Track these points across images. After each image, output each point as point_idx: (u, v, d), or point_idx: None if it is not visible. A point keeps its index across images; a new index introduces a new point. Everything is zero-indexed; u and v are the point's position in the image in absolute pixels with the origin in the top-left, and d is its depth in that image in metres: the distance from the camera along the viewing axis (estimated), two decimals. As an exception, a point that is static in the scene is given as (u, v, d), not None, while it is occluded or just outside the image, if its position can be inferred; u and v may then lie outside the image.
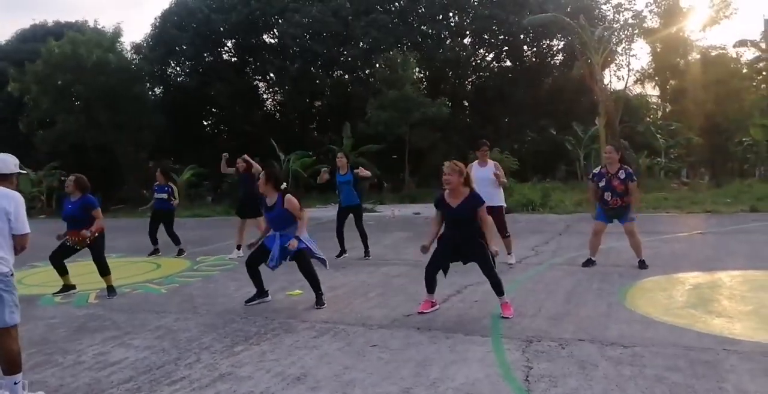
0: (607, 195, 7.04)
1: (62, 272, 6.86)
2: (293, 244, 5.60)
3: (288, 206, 5.68)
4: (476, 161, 7.84)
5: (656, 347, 4.12)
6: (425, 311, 5.26)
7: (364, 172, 8.93)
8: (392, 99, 23.06)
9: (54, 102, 23.56)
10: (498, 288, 5.11)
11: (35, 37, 29.33)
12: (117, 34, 26.45)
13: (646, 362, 3.84)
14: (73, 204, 6.66)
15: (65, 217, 6.72)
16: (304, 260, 5.75)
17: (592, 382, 3.54)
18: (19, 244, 3.66)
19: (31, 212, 22.92)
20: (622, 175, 7.00)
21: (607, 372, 3.68)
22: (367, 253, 8.75)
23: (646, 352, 4.02)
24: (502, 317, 4.99)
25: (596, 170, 7.39)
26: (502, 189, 7.81)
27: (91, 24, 27.96)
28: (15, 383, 3.52)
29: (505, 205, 7.88)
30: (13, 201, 3.63)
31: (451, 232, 5.24)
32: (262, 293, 6.01)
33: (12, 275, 3.59)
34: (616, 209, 7.07)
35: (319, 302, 5.74)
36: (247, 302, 5.96)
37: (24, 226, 3.65)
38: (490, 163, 7.78)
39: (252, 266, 5.88)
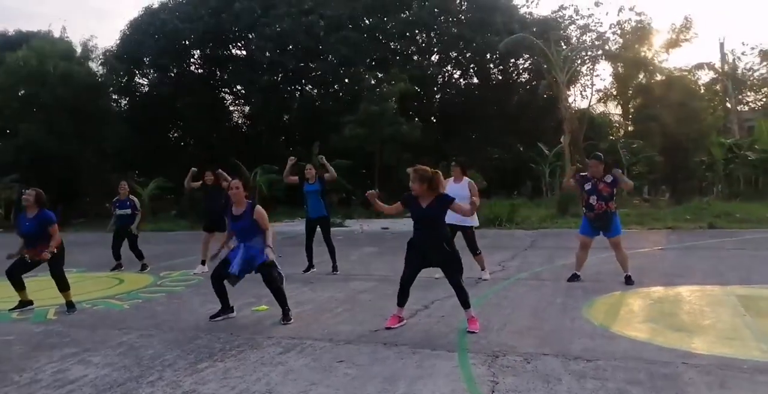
0: (593, 199, 7.01)
1: (19, 287, 6.64)
2: (270, 254, 5.56)
3: (257, 216, 5.64)
4: (451, 178, 7.83)
5: (618, 360, 4.20)
6: (393, 326, 5.26)
7: (328, 166, 8.76)
8: (371, 114, 23.15)
9: (16, 111, 23.00)
10: (464, 299, 5.14)
11: (-4, 46, 28.66)
12: (90, 47, 26.06)
13: (608, 375, 3.91)
14: (30, 221, 6.46)
15: (22, 234, 6.52)
16: (270, 272, 5.68)
17: (556, 396, 3.59)
18: None
19: (-13, 225, 22.23)
20: (608, 179, 7.00)
21: (571, 386, 3.74)
22: (335, 268, 8.71)
23: (608, 366, 4.09)
24: (469, 332, 5.02)
25: (583, 173, 7.39)
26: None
27: (56, 34, 27.44)
28: None
29: (477, 224, 7.77)
30: None
31: (419, 234, 5.21)
32: (227, 308, 5.93)
33: None
34: (601, 216, 7.01)
35: (286, 318, 5.68)
36: (211, 317, 5.87)
37: None
38: (465, 180, 7.61)
39: (217, 280, 5.79)
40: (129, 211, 9.76)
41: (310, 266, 8.79)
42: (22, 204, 6.64)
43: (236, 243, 5.80)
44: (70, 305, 6.56)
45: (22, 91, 23.20)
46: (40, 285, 7.22)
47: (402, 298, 5.36)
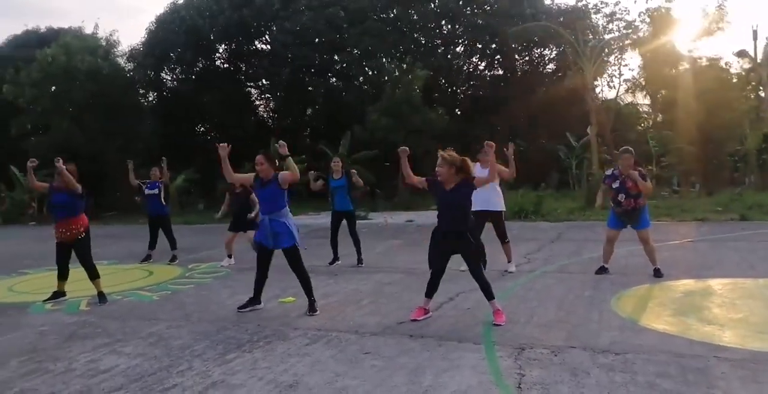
0: (621, 196, 6.96)
1: (62, 277, 6.83)
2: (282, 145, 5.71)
3: (281, 179, 5.69)
4: (478, 162, 7.75)
5: (647, 354, 4.14)
6: (418, 319, 5.27)
7: (357, 178, 8.87)
8: (396, 102, 23.04)
9: (48, 108, 23.46)
10: (487, 291, 5.13)
11: (28, 43, 29.22)
12: (112, 41, 26.42)
13: (638, 369, 3.86)
14: (63, 191, 6.60)
15: (53, 205, 6.67)
16: (296, 257, 5.76)
17: (584, 389, 3.56)
18: None
19: (21, 218, 22.81)
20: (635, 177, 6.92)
21: (599, 379, 3.70)
22: (360, 260, 8.74)
23: (637, 359, 4.04)
24: (494, 325, 5.00)
25: (609, 172, 7.34)
26: (501, 194, 7.72)
27: (88, 30, 27.87)
28: None
29: (505, 210, 7.76)
30: None
31: (442, 219, 5.20)
32: (256, 300, 6.00)
33: None
34: (629, 212, 6.97)
35: (312, 309, 5.73)
36: (239, 309, 5.95)
37: None
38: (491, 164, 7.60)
39: (261, 266, 5.88)
40: (157, 191, 9.96)
41: (335, 258, 8.85)
42: (54, 185, 6.76)
43: (261, 216, 5.86)
44: (102, 296, 6.70)
45: (53, 88, 23.62)
46: (72, 277, 7.36)
47: (431, 289, 5.36)
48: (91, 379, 4.11)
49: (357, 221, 9.26)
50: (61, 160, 6.56)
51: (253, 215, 8.65)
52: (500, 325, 4.99)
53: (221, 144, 5.76)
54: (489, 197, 7.42)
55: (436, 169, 5.12)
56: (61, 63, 23.05)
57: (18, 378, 4.17)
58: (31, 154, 23.74)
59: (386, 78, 25.00)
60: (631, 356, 4.10)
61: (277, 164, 5.87)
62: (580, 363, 4.01)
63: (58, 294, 6.87)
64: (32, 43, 28.30)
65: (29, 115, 24.21)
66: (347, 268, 8.52)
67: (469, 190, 5.13)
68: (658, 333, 4.68)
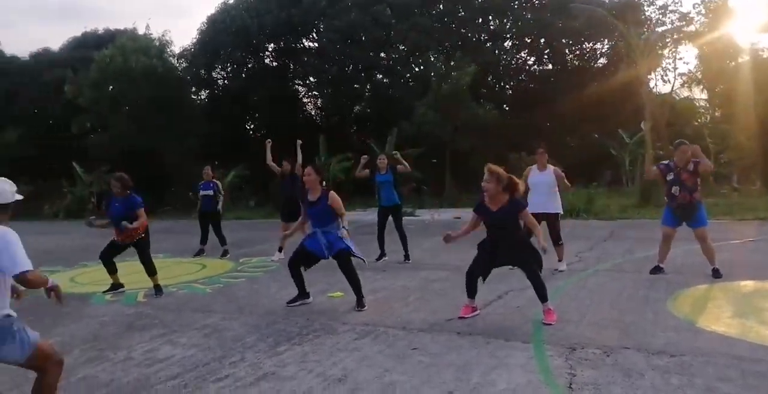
0: (675, 189, 6.70)
1: (112, 270, 7.08)
2: (345, 235, 5.73)
3: (332, 202, 5.76)
4: (534, 165, 7.75)
5: (706, 356, 4.00)
6: (466, 316, 5.23)
7: (400, 158, 9.01)
8: (444, 95, 22.92)
9: (106, 107, 24.39)
10: (541, 293, 5.04)
11: (87, 44, 30.41)
12: (164, 41, 27.21)
13: (695, 371, 3.74)
14: (120, 203, 6.86)
15: (112, 216, 6.93)
16: (345, 260, 5.81)
17: (639, 391, 3.47)
18: (24, 284, 3.08)
19: (82, 213, 23.77)
20: (690, 167, 6.66)
21: (654, 381, 3.60)
22: (406, 257, 8.75)
23: (695, 361, 3.91)
24: (544, 324, 4.93)
25: (665, 162, 7.08)
26: (559, 196, 7.66)
27: (140, 31, 28.81)
28: None
29: (561, 212, 7.72)
30: (2, 238, 3.01)
31: (491, 237, 5.18)
32: (303, 294, 6.09)
33: (7, 316, 3.09)
34: (685, 207, 6.70)
35: (360, 305, 5.78)
36: (288, 303, 6.05)
37: (20, 264, 3.00)
38: (549, 167, 7.60)
39: (294, 266, 5.96)
40: (211, 192, 10.22)
41: (382, 254, 8.88)
42: (113, 190, 7.03)
43: (311, 229, 5.93)
44: (158, 289, 6.93)
45: (111, 87, 24.51)
46: (129, 269, 7.64)
47: (470, 290, 5.31)
48: (149, 368, 4.25)
49: (403, 218, 9.26)
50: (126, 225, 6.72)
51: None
52: (551, 324, 4.91)
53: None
54: (546, 200, 7.45)
55: (483, 184, 5.04)
56: (118, 64, 23.88)
57: (81, 365, 4.35)
58: (92, 151, 24.53)
59: (433, 74, 24.88)
60: (688, 359, 3.97)
61: (324, 183, 5.96)
62: (634, 364, 3.91)
63: (117, 286, 7.15)
64: (90, 44, 29.44)
65: (89, 114, 25.20)
66: (394, 264, 8.54)
67: (516, 211, 5.04)
68: (717, 335, 4.52)
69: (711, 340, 4.40)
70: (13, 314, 3.15)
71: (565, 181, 7.66)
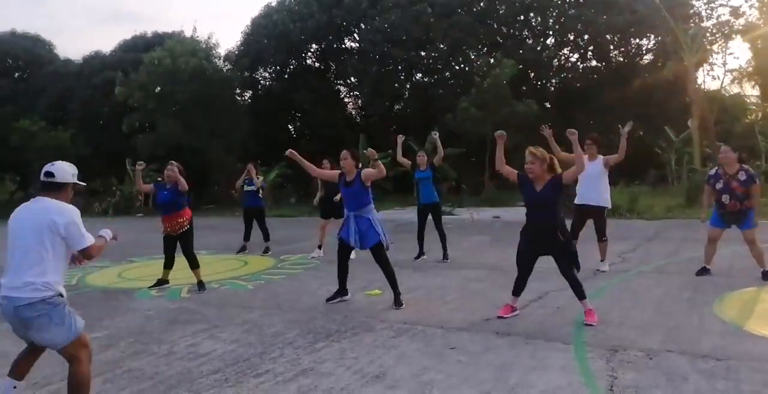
0: (725, 198, 6.51)
1: (168, 265, 7.33)
2: (372, 152, 5.79)
3: (365, 176, 5.85)
4: (586, 156, 7.55)
5: (754, 361, 3.88)
6: (505, 316, 5.20)
7: (435, 156, 8.88)
8: (484, 93, 22.76)
9: (154, 107, 25.09)
10: (578, 290, 4.98)
11: (136, 48, 31.27)
12: (210, 44, 27.79)
13: (743, 377, 3.63)
14: (168, 190, 7.09)
15: (159, 204, 7.18)
16: (381, 253, 5.88)
17: (682, 395, 3.39)
18: (85, 257, 3.39)
19: (130, 210, 24.49)
20: (742, 176, 6.45)
21: (699, 386, 3.51)
22: (445, 256, 8.72)
23: (742, 366, 3.80)
24: (585, 325, 4.85)
25: (712, 172, 6.86)
26: (608, 189, 7.33)
27: (187, 34, 29.50)
28: None
29: (609, 206, 7.46)
30: (66, 216, 3.26)
31: (531, 218, 5.10)
32: (343, 291, 6.15)
33: (60, 295, 3.27)
34: (735, 213, 6.54)
35: (397, 302, 5.80)
36: (328, 300, 6.12)
37: (81, 240, 3.29)
38: (600, 157, 7.27)
39: (341, 256, 6.09)
40: (254, 188, 10.41)
41: (421, 252, 8.88)
42: (166, 179, 7.24)
43: (346, 214, 6.01)
44: (201, 285, 7.10)
45: (158, 89, 25.16)
46: (177, 265, 7.82)
47: (518, 287, 5.27)
48: (191, 362, 4.37)
49: (442, 216, 9.23)
50: (176, 165, 7.08)
51: (338, 197, 8.76)
52: (592, 325, 4.84)
53: (289, 151, 6.19)
54: (593, 191, 7.17)
55: (527, 166, 4.98)
56: (167, 65, 24.49)
57: (126, 358, 4.51)
58: (140, 150, 25.21)
59: (472, 71, 24.71)
60: (734, 363, 3.85)
61: (358, 163, 6.03)
62: (678, 368, 3.82)
63: (162, 281, 7.38)
64: (140, 48, 30.26)
65: (138, 114, 25.96)
66: (433, 263, 8.53)
67: (559, 189, 4.97)
68: (766, 340, 4.37)
69: (759, 344, 4.26)
70: (65, 293, 3.32)
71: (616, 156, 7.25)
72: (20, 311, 3.15)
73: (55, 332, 3.20)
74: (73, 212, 3.30)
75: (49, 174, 3.36)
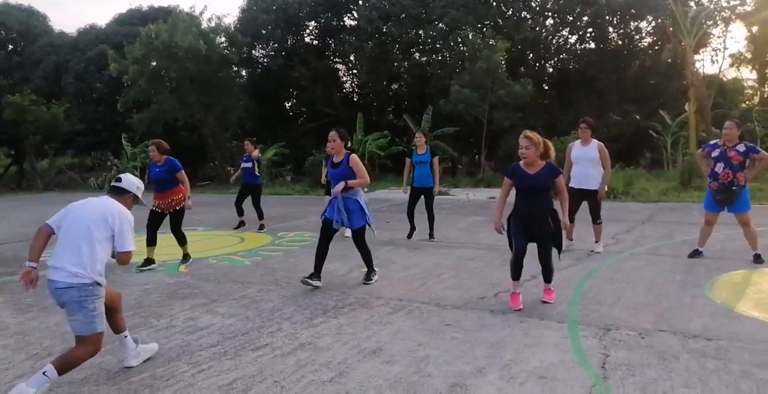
0: (719, 166, 6.44)
1: (151, 243, 7.16)
2: (340, 186, 5.65)
3: (352, 164, 5.75)
4: (578, 140, 7.61)
5: (743, 342, 3.96)
6: (516, 309, 4.90)
7: (437, 166, 8.84)
8: (477, 73, 22.58)
9: (149, 83, 24.78)
10: (548, 276, 5.05)
11: (131, 21, 30.89)
12: (209, 20, 27.45)
13: (732, 356, 3.71)
14: (160, 168, 7.12)
15: (153, 180, 7.17)
16: (361, 235, 5.91)
17: (672, 373, 3.47)
18: (119, 260, 3.63)
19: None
20: (741, 148, 6.40)
21: (689, 365, 3.59)
22: (431, 235, 8.75)
23: (731, 346, 3.88)
24: (543, 302, 5.00)
25: (711, 142, 6.83)
26: (602, 172, 7.34)
27: (185, 9, 29.10)
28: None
29: (606, 190, 7.52)
30: (120, 217, 3.56)
31: (522, 204, 4.95)
32: (316, 275, 5.83)
33: (98, 284, 3.46)
34: (727, 188, 6.44)
35: (368, 278, 5.94)
36: (302, 281, 5.81)
37: (125, 243, 3.55)
38: (594, 142, 7.30)
39: (321, 240, 5.91)
40: (251, 164, 10.39)
41: (412, 228, 8.92)
42: (151, 157, 7.30)
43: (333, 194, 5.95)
44: (186, 257, 7.31)
45: (154, 63, 24.85)
46: (169, 241, 7.85)
47: (517, 271, 5.04)
48: (190, 335, 4.43)
49: (437, 197, 9.25)
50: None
51: (324, 179, 8.72)
52: (548, 302, 4.98)
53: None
54: (588, 174, 7.24)
55: (521, 151, 4.89)
56: (164, 39, 24.12)
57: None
58: (136, 126, 24.98)
59: (466, 50, 24.49)
60: (724, 343, 3.94)
61: (349, 144, 5.94)
62: (669, 347, 3.90)
63: (149, 261, 7.15)
64: (135, 21, 29.88)
65: (133, 90, 25.68)
66: (426, 242, 8.58)
67: (553, 175, 4.90)
68: (756, 321, 4.45)
69: (749, 325, 4.34)
70: (104, 282, 3.51)
71: (606, 162, 7.40)
72: (57, 294, 3.40)
73: (80, 319, 3.39)
74: (129, 215, 3.65)
75: (118, 179, 3.87)
